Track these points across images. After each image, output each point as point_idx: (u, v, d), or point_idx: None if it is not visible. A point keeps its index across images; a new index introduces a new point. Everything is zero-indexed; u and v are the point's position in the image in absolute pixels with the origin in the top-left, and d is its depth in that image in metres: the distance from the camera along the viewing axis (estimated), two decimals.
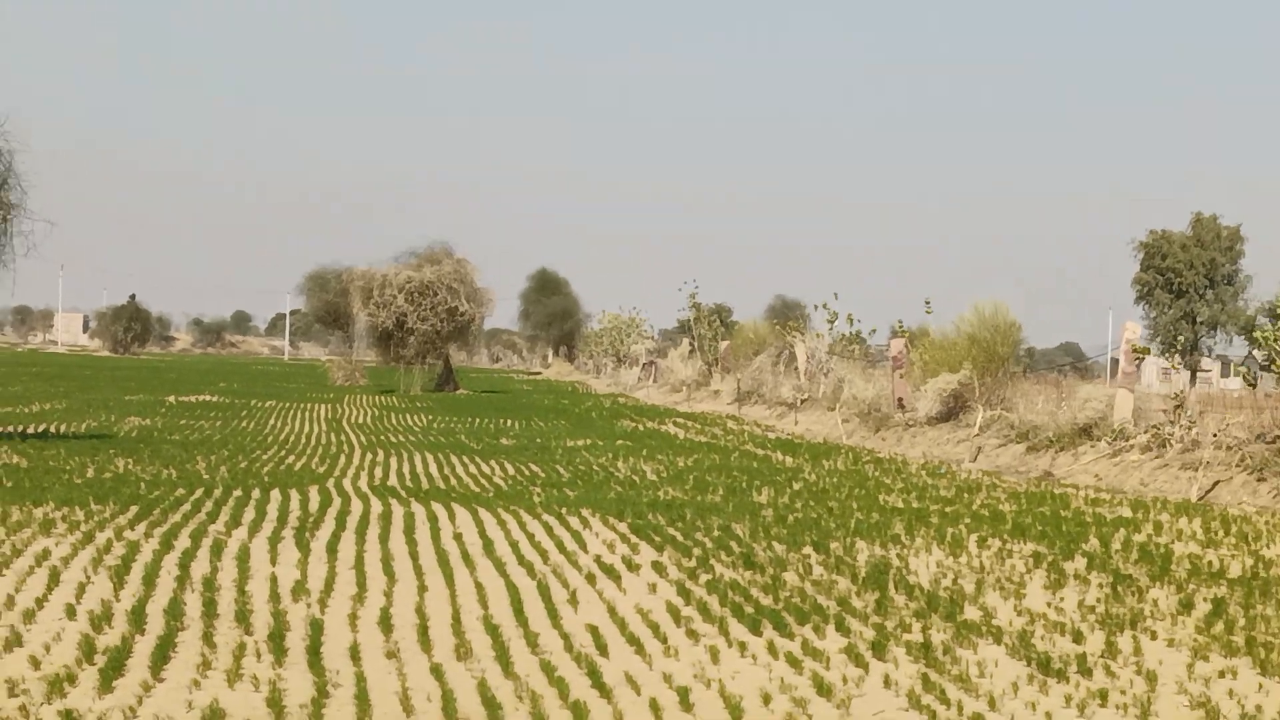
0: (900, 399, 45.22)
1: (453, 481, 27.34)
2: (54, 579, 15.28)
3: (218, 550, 17.48)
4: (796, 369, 58.42)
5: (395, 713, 10.67)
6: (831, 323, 58.52)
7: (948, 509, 24.28)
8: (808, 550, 18.77)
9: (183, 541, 18.15)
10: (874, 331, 61.57)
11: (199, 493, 23.65)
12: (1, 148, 32.78)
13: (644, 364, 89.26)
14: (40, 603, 14.09)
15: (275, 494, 24.03)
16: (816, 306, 59.80)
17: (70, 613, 13.70)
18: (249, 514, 20.88)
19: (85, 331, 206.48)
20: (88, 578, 15.48)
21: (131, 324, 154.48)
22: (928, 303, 49.61)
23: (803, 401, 53.87)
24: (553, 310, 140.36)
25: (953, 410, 41.90)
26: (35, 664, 11.74)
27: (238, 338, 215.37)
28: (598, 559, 17.61)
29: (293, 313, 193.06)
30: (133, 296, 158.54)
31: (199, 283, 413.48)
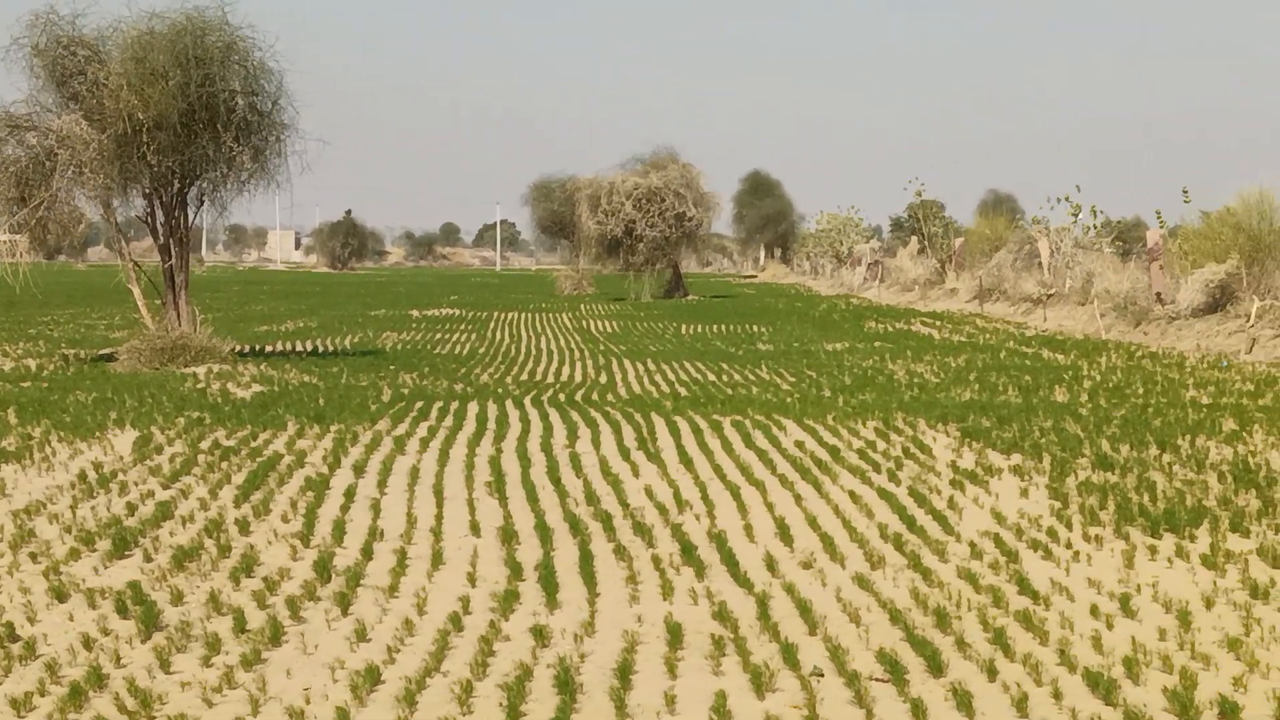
0: (1159, 292, 44.53)
1: (742, 390, 27.36)
2: (438, 495, 15.63)
3: (577, 464, 17.74)
4: (1040, 264, 57.71)
5: (841, 622, 10.77)
6: (1075, 215, 57.63)
7: (1259, 401, 23.95)
8: (1154, 450, 18.58)
9: (536, 455, 18.46)
10: (1113, 224, 60.52)
11: (508, 407, 23.95)
12: (273, 68, 33.16)
13: (869, 263, 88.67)
14: (439, 520, 14.40)
15: (578, 406, 24.28)
16: (1058, 200, 58.77)
17: (474, 529, 14.01)
18: (582, 429, 21.11)
19: (298, 248, 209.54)
20: (470, 494, 15.80)
21: (349, 239, 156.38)
22: (1185, 191, 48.50)
23: (1049, 297, 53.25)
24: (766, 212, 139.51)
25: (1218, 302, 41.12)
26: (472, 581, 12.01)
27: (448, 249, 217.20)
28: (953, 465, 17.63)
29: (502, 222, 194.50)
30: (348, 212, 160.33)
31: (406, 197, 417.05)
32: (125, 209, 34.09)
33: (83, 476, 16.47)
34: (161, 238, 33.12)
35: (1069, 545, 13.37)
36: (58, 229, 33.00)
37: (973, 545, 13.28)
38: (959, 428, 20.77)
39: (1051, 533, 13.81)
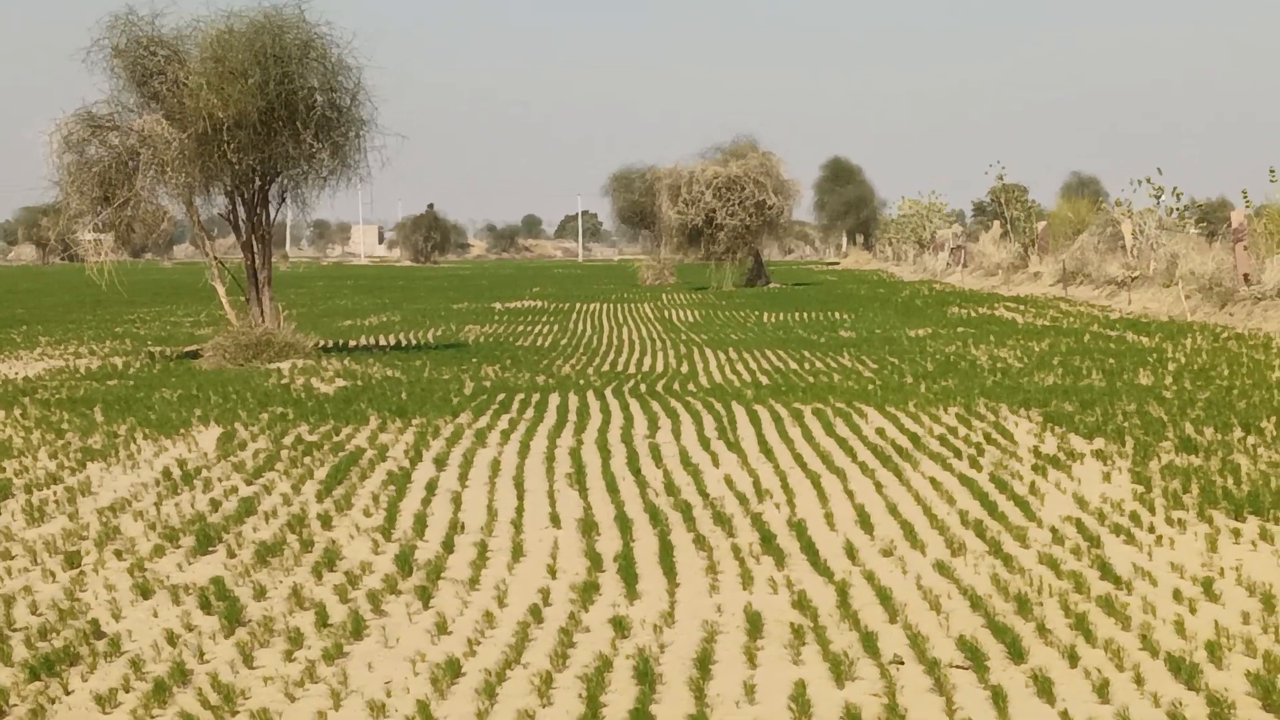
0: (1245, 273, 44.07)
1: (823, 378, 27.29)
2: (519, 487, 15.69)
3: (657, 454, 17.78)
4: (1123, 246, 57.26)
5: (921, 609, 10.74)
6: (1157, 197, 57.14)
7: None
8: (1238, 432, 18.44)
9: (617, 446, 18.51)
10: (1196, 205, 60.01)
11: (589, 398, 24.01)
12: (351, 64, 33.35)
13: (952, 249, 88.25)
14: (519, 512, 14.46)
15: (659, 396, 24.30)
16: (1140, 182, 58.25)
17: (555, 521, 14.05)
18: (662, 419, 21.16)
19: (381, 242, 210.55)
20: (550, 486, 15.86)
21: (431, 233, 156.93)
22: (1273, 171, 47.80)
23: (1133, 279, 52.83)
24: (847, 199, 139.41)
25: None
26: (552, 573, 12.05)
27: (530, 241, 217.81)
28: (1035, 450, 17.54)
29: (584, 213, 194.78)
30: (431, 206, 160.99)
31: (488, 190, 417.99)
32: (208, 207, 34.43)
33: (167, 473, 16.64)
34: (244, 235, 33.40)
35: (1151, 529, 13.29)
36: (142, 228, 33.34)
37: (1054, 531, 13.22)
38: (1041, 412, 20.66)
39: (1134, 517, 13.72)
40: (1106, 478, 15.84)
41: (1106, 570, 11.69)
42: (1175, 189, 57.68)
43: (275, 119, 31.84)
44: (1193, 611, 10.60)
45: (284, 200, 34.01)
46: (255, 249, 33.29)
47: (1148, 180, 57.48)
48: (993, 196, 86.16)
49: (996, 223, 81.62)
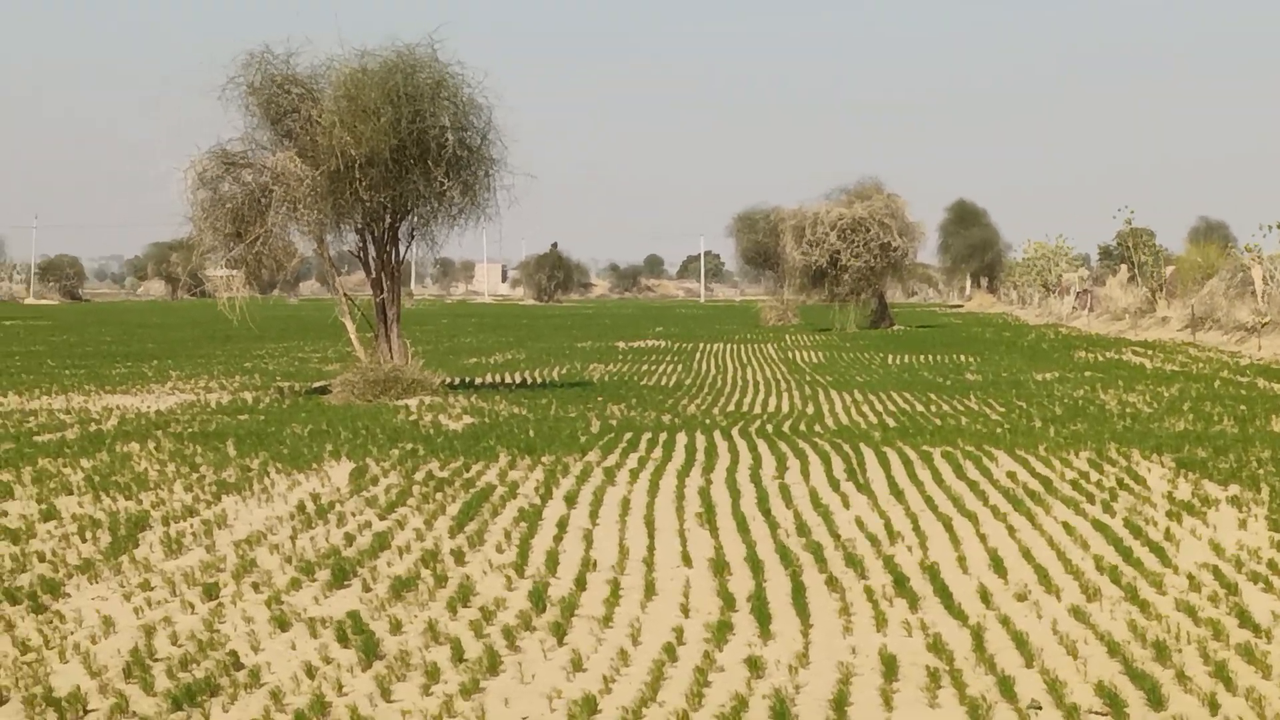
0: None
1: (951, 420, 27.16)
2: (649, 526, 15.72)
3: (786, 495, 17.77)
4: (1253, 292, 56.65)
5: (1058, 654, 10.67)
6: None
7: None
8: None
9: (746, 486, 18.52)
10: None
11: (716, 438, 24.01)
12: (481, 103, 33.53)
13: (1078, 292, 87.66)
14: (650, 550, 14.49)
15: (786, 437, 24.27)
16: (1270, 227, 57.69)
17: (686, 560, 14.07)
18: (790, 460, 21.13)
19: (504, 280, 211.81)
20: (681, 525, 15.88)
21: (554, 272, 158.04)
22: None
23: (1263, 325, 52.25)
24: (972, 241, 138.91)
25: None
26: (685, 611, 12.06)
27: (652, 281, 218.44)
28: (1168, 495, 17.39)
29: (706, 254, 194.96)
30: (554, 245, 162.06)
31: (611, 229, 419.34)
32: (338, 244, 34.73)
33: (301, 507, 16.80)
34: (374, 272, 33.63)
35: None
36: (272, 263, 33.67)
37: (1191, 577, 13.09)
38: (1174, 458, 20.48)
39: (1272, 565, 13.55)
40: (1243, 524, 15.68)
41: (1245, 618, 11.57)
42: None
43: (407, 157, 32.08)
44: None
45: (413, 238, 34.22)
46: (385, 286, 33.52)
47: (1278, 225, 56.92)
48: (1120, 241, 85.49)
49: (1124, 267, 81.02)
